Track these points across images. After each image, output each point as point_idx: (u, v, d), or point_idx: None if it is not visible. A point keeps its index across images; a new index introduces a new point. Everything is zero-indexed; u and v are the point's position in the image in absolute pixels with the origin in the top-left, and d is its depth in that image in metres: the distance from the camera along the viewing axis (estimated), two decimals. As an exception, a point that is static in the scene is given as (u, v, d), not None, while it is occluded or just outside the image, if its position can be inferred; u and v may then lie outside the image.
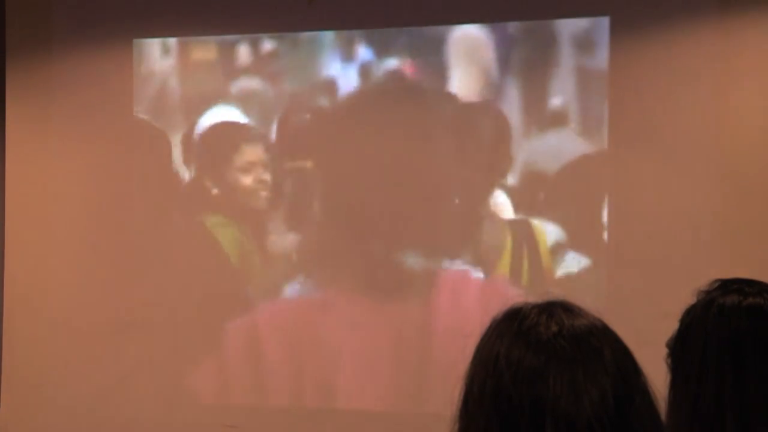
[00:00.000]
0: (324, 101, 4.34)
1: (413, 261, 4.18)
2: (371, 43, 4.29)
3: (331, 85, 4.33)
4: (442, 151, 4.19)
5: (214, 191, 4.45)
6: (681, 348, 1.70)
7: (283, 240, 4.37)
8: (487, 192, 4.15)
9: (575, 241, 4.04)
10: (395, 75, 4.26)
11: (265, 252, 4.38)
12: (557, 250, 4.06)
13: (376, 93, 4.29)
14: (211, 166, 4.47)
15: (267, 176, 4.39)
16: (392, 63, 4.26)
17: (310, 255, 4.33)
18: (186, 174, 4.50)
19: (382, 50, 4.28)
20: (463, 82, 4.20)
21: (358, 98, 4.31)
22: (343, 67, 4.32)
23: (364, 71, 4.29)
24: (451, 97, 4.20)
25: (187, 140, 4.50)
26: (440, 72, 4.21)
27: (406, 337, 4.15)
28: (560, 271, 4.05)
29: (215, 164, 4.46)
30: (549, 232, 4.07)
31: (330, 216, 4.32)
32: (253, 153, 4.42)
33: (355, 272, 4.25)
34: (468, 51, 4.19)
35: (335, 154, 4.32)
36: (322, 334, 4.26)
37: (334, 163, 4.32)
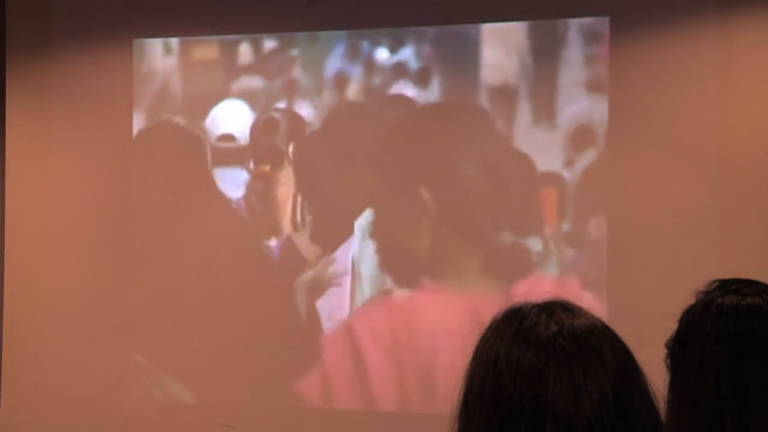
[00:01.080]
0: (325, 100, 4.34)
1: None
2: (372, 42, 4.28)
3: (331, 85, 4.33)
4: (449, 151, 4.19)
5: (217, 191, 4.45)
6: (680, 348, 1.70)
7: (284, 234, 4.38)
8: (488, 190, 4.16)
9: (575, 240, 4.04)
10: (397, 75, 4.26)
11: (267, 251, 4.38)
12: (557, 248, 4.06)
13: (377, 92, 4.29)
14: (215, 165, 4.47)
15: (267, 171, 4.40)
16: (394, 63, 4.26)
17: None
18: (190, 174, 4.50)
19: (383, 50, 4.28)
20: (462, 82, 4.20)
21: (360, 97, 4.31)
22: (344, 67, 4.32)
23: (366, 71, 4.29)
24: (452, 96, 4.21)
25: (189, 140, 4.49)
26: (441, 72, 4.21)
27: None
28: (560, 270, 4.05)
29: (220, 164, 4.47)
30: (549, 230, 4.07)
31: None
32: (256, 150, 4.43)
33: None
34: (468, 52, 4.19)
35: (340, 153, 4.32)
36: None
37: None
